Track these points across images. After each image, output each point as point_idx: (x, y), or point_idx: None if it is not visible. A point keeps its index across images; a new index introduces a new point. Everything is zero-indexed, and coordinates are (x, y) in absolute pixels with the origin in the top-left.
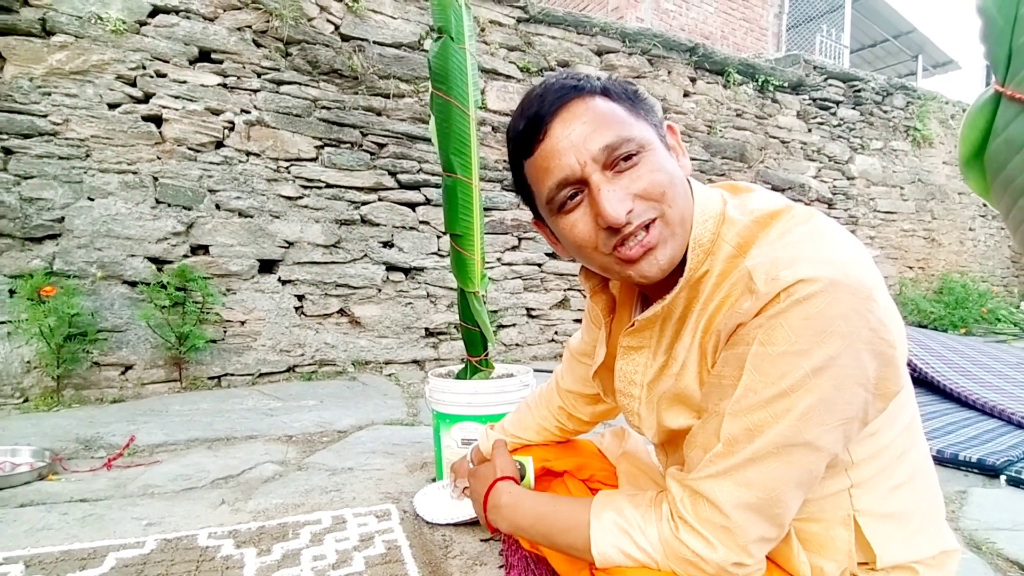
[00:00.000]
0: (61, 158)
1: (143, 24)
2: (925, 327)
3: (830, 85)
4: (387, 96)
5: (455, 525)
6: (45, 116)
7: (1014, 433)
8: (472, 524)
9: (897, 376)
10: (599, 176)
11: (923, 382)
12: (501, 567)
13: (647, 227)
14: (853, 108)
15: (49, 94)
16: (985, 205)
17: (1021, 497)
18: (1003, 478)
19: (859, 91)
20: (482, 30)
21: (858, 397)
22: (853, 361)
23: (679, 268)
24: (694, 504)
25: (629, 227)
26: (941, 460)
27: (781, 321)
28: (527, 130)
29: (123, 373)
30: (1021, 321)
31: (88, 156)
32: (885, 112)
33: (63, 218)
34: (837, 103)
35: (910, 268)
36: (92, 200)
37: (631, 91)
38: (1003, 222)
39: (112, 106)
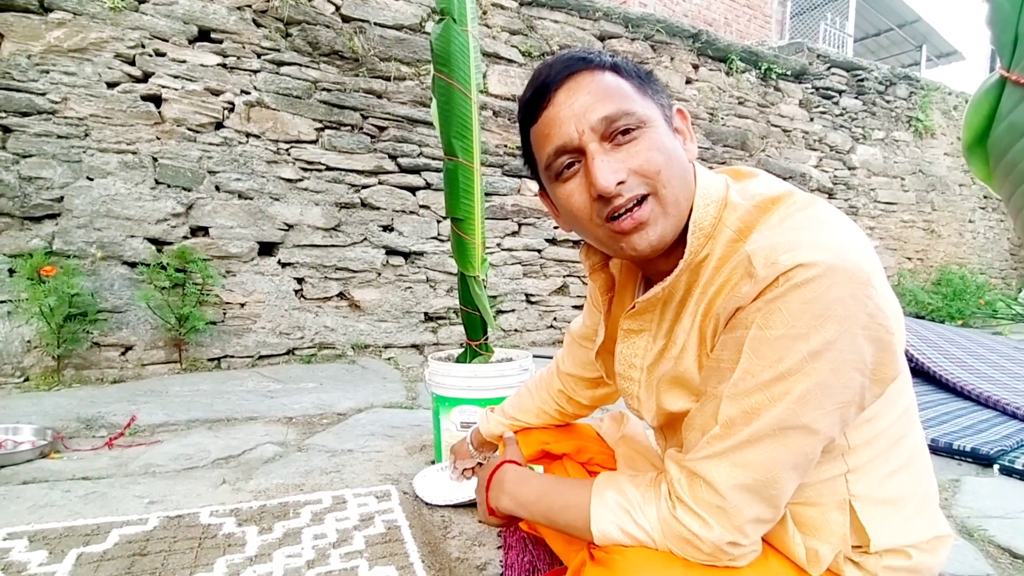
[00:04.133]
0: (60, 137)
1: (142, 2)
2: (923, 318)
3: (833, 74)
4: (388, 79)
5: (454, 506)
6: (43, 94)
7: (1008, 423)
8: (471, 506)
9: (894, 362)
10: (595, 146)
11: (919, 372)
12: (499, 547)
13: (640, 203)
14: (856, 97)
15: (47, 72)
16: (985, 197)
17: (1013, 486)
18: (996, 467)
19: (862, 80)
20: (484, 13)
21: (855, 382)
22: (850, 346)
23: (680, 251)
24: (691, 484)
25: (620, 199)
26: (936, 449)
27: (779, 305)
28: (533, 97)
29: (123, 354)
30: (1020, 311)
31: (87, 135)
32: (888, 102)
33: (62, 197)
34: (840, 92)
35: (909, 259)
36: (91, 180)
37: (642, 70)
38: (1004, 207)
39: (111, 85)
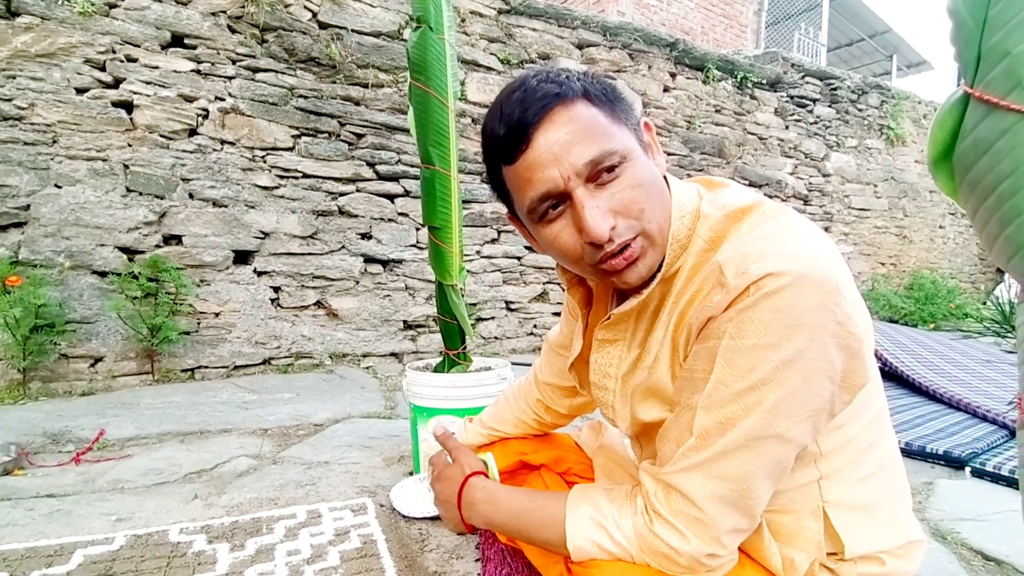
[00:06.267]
0: (26, 144)
1: (112, 6)
2: (896, 322)
3: (807, 83)
4: (365, 86)
5: (432, 519)
6: (10, 100)
7: (979, 426)
8: None
9: (863, 369)
10: (583, 191)
11: (893, 376)
12: (477, 560)
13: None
14: (829, 106)
15: (14, 77)
16: (955, 203)
17: (985, 488)
18: (968, 470)
19: (835, 89)
20: (462, 20)
21: (826, 389)
22: (820, 354)
23: None
24: (667, 497)
25: (612, 245)
26: (909, 452)
27: (751, 315)
28: (509, 138)
29: (93, 365)
30: (987, 318)
31: (55, 142)
32: (860, 110)
33: (28, 206)
34: (814, 101)
35: (882, 264)
36: (59, 187)
37: (610, 91)
38: (970, 221)
39: (80, 91)
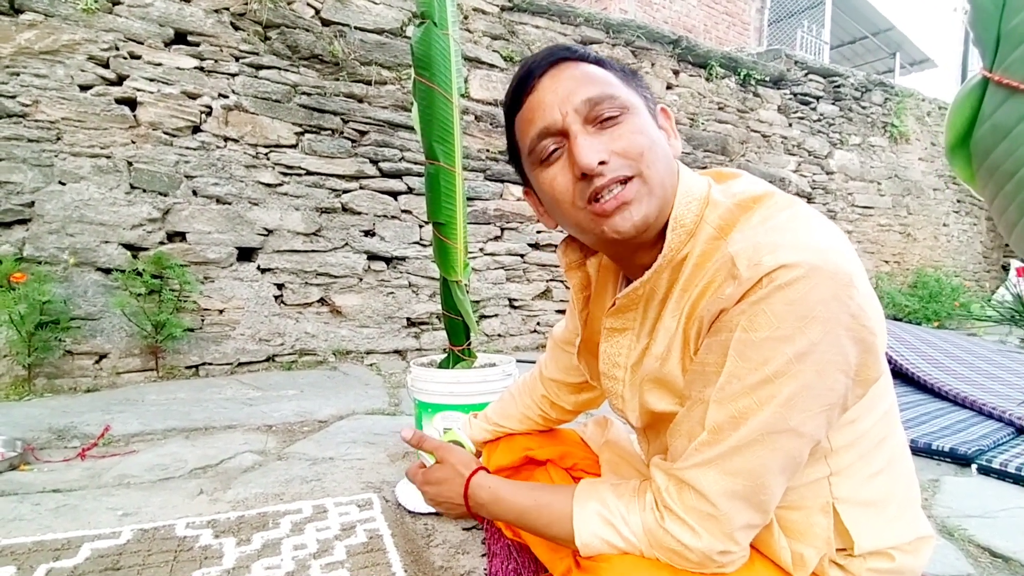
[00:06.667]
0: (31, 140)
1: (116, 3)
2: (900, 320)
3: (810, 80)
4: (369, 83)
5: (437, 514)
6: (14, 97)
7: (985, 423)
8: None
9: (876, 362)
10: (579, 127)
11: (898, 373)
12: (483, 555)
13: (624, 182)
14: (832, 103)
15: (18, 74)
16: (959, 201)
17: (991, 485)
18: (974, 467)
19: (839, 87)
20: (465, 17)
21: (839, 383)
22: (834, 347)
23: (659, 246)
24: (680, 493)
25: (602, 178)
26: (915, 449)
27: (763, 307)
28: (518, 85)
29: (97, 362)
30: (995, 312)
31: (59, 139)
32: (863, 108)
33: (33, 203)
34: (817, 98)
35: (886, 262)
36: (63, 184)
37: (625, 67)
38: (988, 208)
39: (84, 88)
